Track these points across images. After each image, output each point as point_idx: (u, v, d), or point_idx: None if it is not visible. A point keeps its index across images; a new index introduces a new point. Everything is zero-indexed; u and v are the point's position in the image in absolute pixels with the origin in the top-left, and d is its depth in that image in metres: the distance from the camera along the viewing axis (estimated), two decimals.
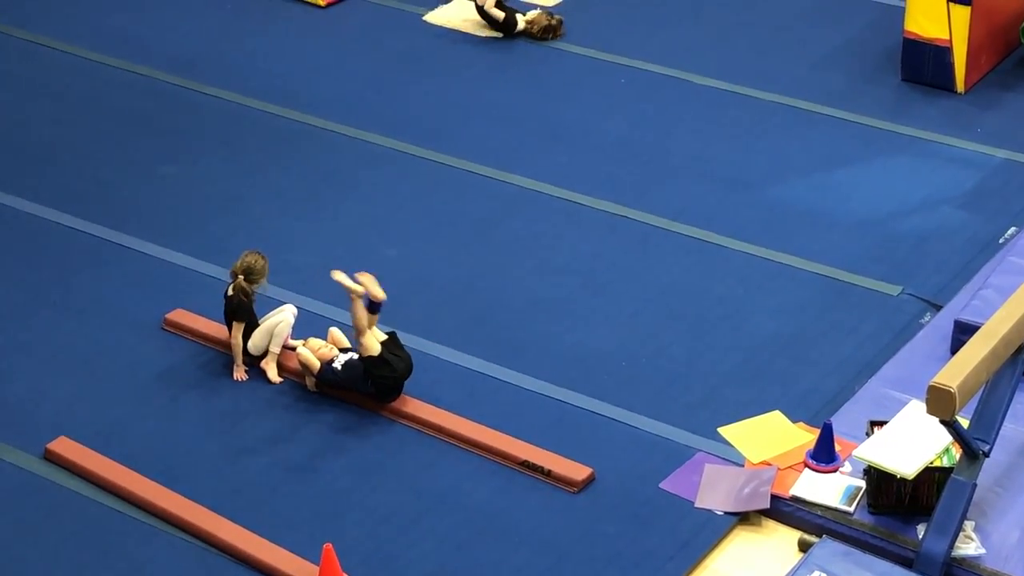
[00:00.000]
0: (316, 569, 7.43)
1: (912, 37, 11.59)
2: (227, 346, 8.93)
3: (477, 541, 7.83)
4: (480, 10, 12.54)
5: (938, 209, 10.36)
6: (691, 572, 7.65)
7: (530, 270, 9.83)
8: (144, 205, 10.54)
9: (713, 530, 7.85)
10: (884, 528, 7.67)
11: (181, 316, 9.31)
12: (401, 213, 10.45)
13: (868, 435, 7.88)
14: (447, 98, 11.80)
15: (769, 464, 8.14)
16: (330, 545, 7.30)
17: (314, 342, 8.75)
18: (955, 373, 7.05)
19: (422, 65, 12.25)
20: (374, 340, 8.49)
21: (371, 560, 7.71)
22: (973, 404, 7.51)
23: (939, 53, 11.52)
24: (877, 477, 7.65)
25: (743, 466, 8.18)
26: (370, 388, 8.54)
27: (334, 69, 12.21)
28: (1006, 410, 7.53)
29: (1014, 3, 11.89)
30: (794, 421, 8.49)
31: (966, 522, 7.54)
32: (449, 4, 13.11)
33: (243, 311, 8.80)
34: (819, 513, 7.81)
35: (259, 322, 8.93)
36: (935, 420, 7.19)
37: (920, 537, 7.50)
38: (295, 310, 9.03)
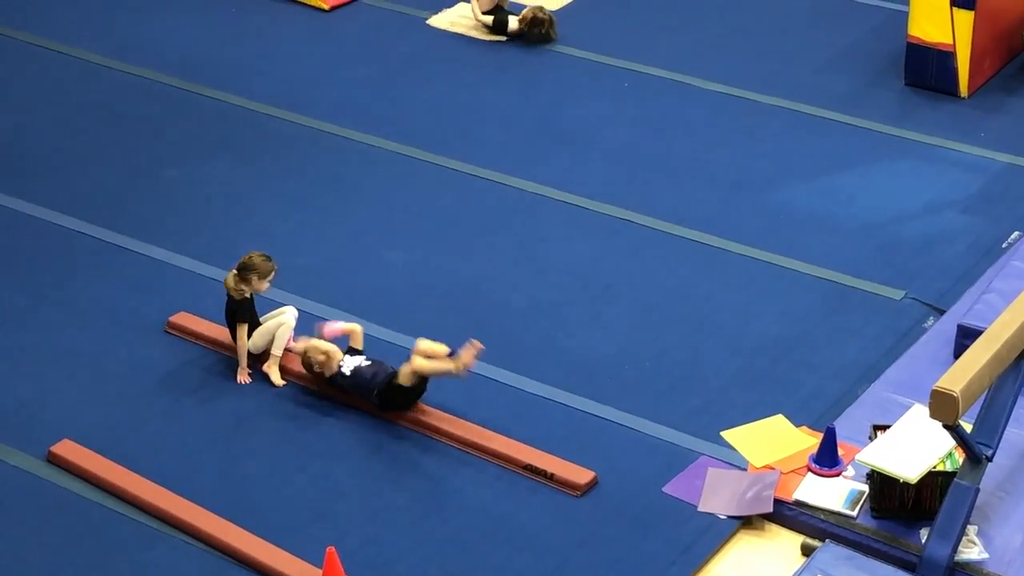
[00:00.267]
0: (319, 572, 7.44)
1: (916, 42, 11.59)
2: (230, 349, 8.93)
3: (480, 545, 7.82)
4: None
5: (941, 213, 10.36)
6: None
7: (533, 274, 9.84)
8: (148, 208, 10.55)
9: (716, 534, 7.84)
10: (887, 532, 7.66)
11: (184, 319, 9.32)
12: (404, 217, 10.45)
13: (871, 439, 7.88)
14: (451, 102, 11.81)
15: (772, 468, 8.14)
16: (333, 548, 7.30)
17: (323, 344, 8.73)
18: (958, 377, 7.05)
19: (425, 69, 12.26)
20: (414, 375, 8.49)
21: (374, 563, 7.71)
22: (976, 408, 7.50)
23: (943, 58, 11.53)
24: (880, 481, 7.64)
25: (746, 470, 8.18)
26: (375, 399, 8.54)
27: (338, 73, 12.22)
28: (1009, 414, 7.53)
29: (1018, 8, 11.90)
30: (797, 425, 8.49)
31: (969, 526, 7.54)
32: (452, 8, 13.12)
33: (243, 311, 8.80)
34: (822, 517, 7.81)
35: (260, 322, 8.95)
36: (938, 424, 7.19)
37: (923, 541, 7.49)
38: (296, 312, 9.04)
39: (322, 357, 8.62)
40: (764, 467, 8.16)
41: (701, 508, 7.98)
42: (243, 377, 8.89)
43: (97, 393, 8.85)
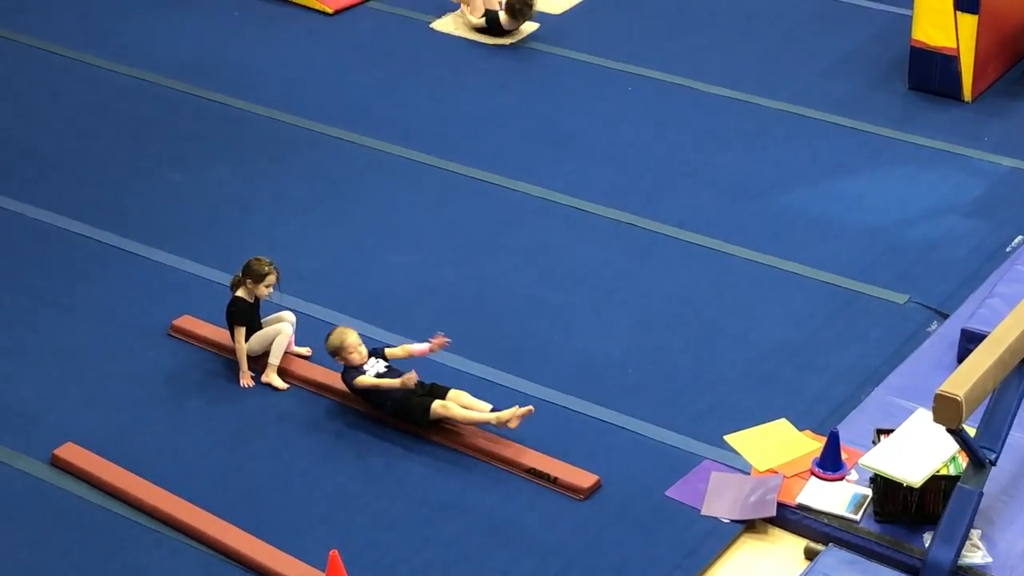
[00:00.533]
0: (322, 575, 7.44)
1: (919, 46, 11.59)
2: (233, 352, 8.93)
3: (483, 548, 7.82)
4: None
5: (945, 217, 10.35)
6: None
7: (536, 277, 9.84)
8: (151, 211, 10.56)
9: (719, 538, 7.84)
10: (890, 536, 7.66)
11: (188, 322, 9.32)
12: (408, 220, 10.45)
13: (875, 443, 7.87)
14: (454, 106, 11.81)
15: (775, 472, 8.14)
16: (336, 551, 7.30)
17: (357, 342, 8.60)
18: (962, 381, 7.04)
19: (429, 73, 12.27)
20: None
21: (377, 567, 7.71)
22: (980, 412, 7.50)
23: (946, 62, 11.52)
24: (883, 485, 7.64)
25: (749, 474, 8.18)
26: (388, 408, 8.53)
27: (341, 76, 12.23)
28: (1013, 418, 7.52)
29: (1022, 12, 11.89)
30: (800, 429, 8.48)
31: (972, 531, 7.53)
32: (456, 12, 13.12)
33: (239, 314, 8.81)
34: (825, 521, 7.80)
35: (262, 326, 8.96)
36: (942, 428, 7.19)
37: (926, 546, 7.49)
38: (293, 318, 9.04)
39: (354, 354, 8.54)
40: (767, 471, 8.16)
41: (704, 512, 7.98)
42: (245, 380, 8.89)
43: (100, 396, 8.85)
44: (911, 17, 11.65)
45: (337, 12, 13.16)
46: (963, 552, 7.41)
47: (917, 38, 11.59)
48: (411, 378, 8.33)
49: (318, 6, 13.17)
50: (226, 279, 9.37)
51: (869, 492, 7.84)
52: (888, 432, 7.89)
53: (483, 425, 8.41)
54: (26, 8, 13.25)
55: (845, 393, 8.76)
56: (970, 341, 8.37)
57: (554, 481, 8.16)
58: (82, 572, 7.73)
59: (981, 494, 7.38)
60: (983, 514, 7.60)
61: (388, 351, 8.70)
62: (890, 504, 7.68)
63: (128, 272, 9.92)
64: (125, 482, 8.16)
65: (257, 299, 8.91)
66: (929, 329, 9.26)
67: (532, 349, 9.17)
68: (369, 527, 7.95)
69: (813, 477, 8.05)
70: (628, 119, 11.61)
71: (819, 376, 8.92)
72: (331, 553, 7.29)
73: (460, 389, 8.51)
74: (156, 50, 12.56)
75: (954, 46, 11.44)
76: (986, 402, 7.45)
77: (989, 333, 7.48)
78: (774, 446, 8.33)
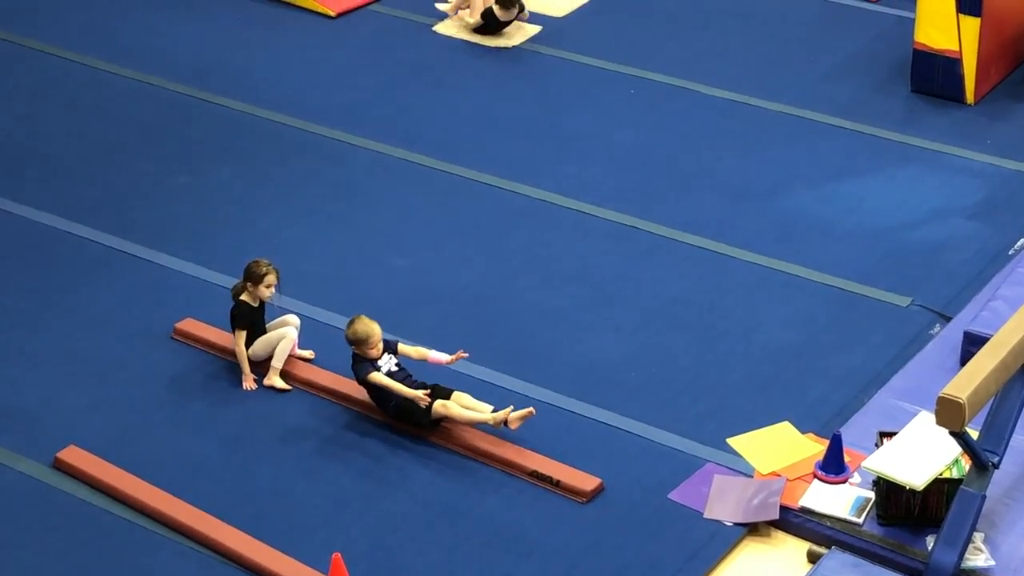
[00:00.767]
0: None
1: (922, 48, 11.59)
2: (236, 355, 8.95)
3: (486, 551, 7.82)
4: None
5: (948, 220, 10.35)
6: None
7: (538, 280, 9.84)
8: (154, 215, 10.56)
9: (722, 541, 7.84)
10: (893, 539, 7.66)
11: (191, 325, 9.33)
12: (410, 223, 10.46)
13: (877, 446, 7.87)
14: (456, 109, 11.82)
15: (778, 475, 8.13)
16: (339, 554, 7.30)
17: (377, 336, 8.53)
18: (965, 384, 7.04)
19: (432, 76, 12.27)
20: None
21: (379, 570, 7.71)
22: (983, 415, 7.49)
23: (949, 64, 11.52)
24: (886, 488, 7.64)
25: (752, 477, 8.18)
26: (391, 410, 8.53)
27: (344, 79, 12.23)
28: (1016, 421, 7.52)
29: None
30: (803, 432, 8.48)
31: (975, 534, 7.53)
32: (459, 15, 13.12)
33: (240, 318, 8.82)
34: (828, 524, 7.80)
35: (267, 330, 8.96)
36: (944, 431, 7.18)
37: (929, 548, 7.48)
38: (298, 322, 9.05)
39: (373, 348, 8.48)
40: (770, 474, 8.15)
41: (707, 515, 7.98)
42: (248, 383, 8.90)
43: (103, 399, 8.85)
44: (913, 20, 11.66)
45: (339, 15, 13.18)
46: (966, 555, 7.41)
47: (920, 40, 11.59)
48: (424, 400, 8.33)
49: (320, 9, 13.18)
50: (229, 282, 9.38)
51: (872, 495, 7.84)
52: (891, 435, 7.89)
53: (481, 426, 8.41)
54: (30, 12, 13.27)
55: (848, 396, 8.76)
56: (973, 344, 8.36)
57: (556, 484, 8.16)
58: (84, 574, 7.73)
59: (984, 497, 7.38)
60: (986, 517, 7.59)
61: (401, 347, 8.66)
62: (893, 507, 7.68)
63: (131, 275, 9.93)
64: (127, 485, 8.17)
65: (262, 303, 8.92)
66: (932, 332, 9.26)
67: (534, 352, 9.17)
68: (371, 530, 7.95)
69: (816, 480, 8.05)
70: (630, 122, 11.61)
71: (821, 379, 8.91)
72: (333, 556, 7.29)
73: (462, 392, 8.51)
74: (160, 53, 12.57)
75: (957, 49, 11.44)
76: (989, 405, 7.45)
77: (992, 336, 7.47)
78: (777, 449, 8.33)
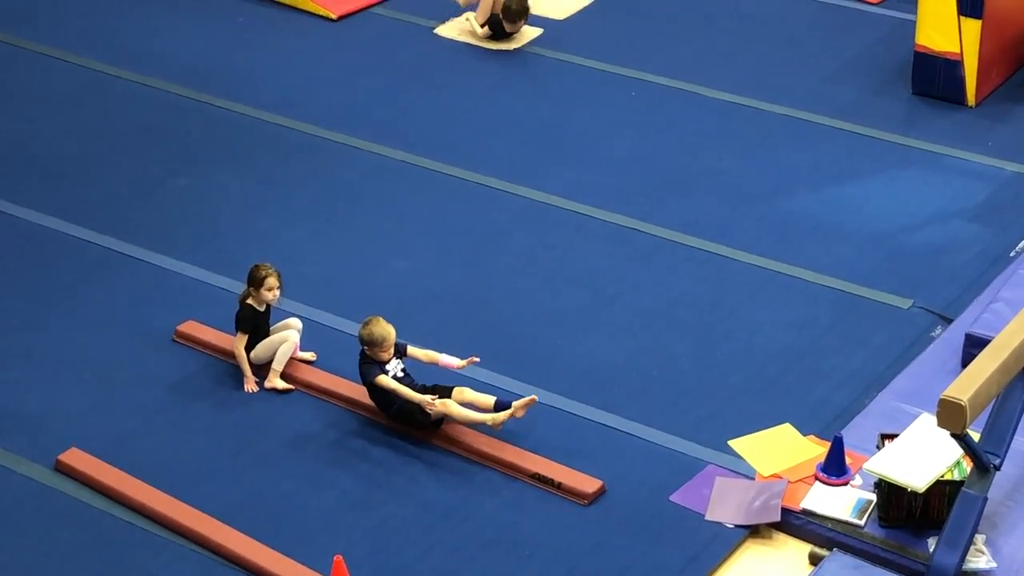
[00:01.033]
0: None
1: (923, 50, 11.59)
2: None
3: (487, 554, 7.82)
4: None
5: (949, 222, 10.35)
6: None
7: (540, 282, 9.84)
8: (155, 217, 10.57)
9: (723, 543, 7.84)
10: (895, 541, 7.66)
11: (192, 328, 9.33)
12: (411, 225, 10.46)
13: (879, 448, 7.87)
14: (457, 111, 11.82)
15: (779, 477, 8.13)
16: (340, 557, 7.30)
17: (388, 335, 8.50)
18: (966, 386, 7.04)
19: (433, 78, 12.27)
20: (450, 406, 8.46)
21: (381, 572, 7.71)
22: (984, 417, 7.49)
23: (950, 66, 11.52)
24: (888, 490, 7.64)
25: (753, 479, 8.18)
26: (393, 412, 8.53)
27: (345, 82, 12.24)
28: (1017, 423, 7.52)
29: None
30: (805, 434, 8.48)
31: (977, 535, 7.53)
32: (460, 17, 13.13)
33: (242, 321, 8.83)
34: (830, 526, 7.80)
35: (270, 332, 8.97)
36: (946, 433, 7.18)
37: (931, 550, 7.48)
38: (300, 325, 9.05)
39: (385, 352, 8.47)
40: (772, 476, 8.15)
41: (708, 517, 7.98)
42: (250, 386, 8.90)
43: (105, 402, 8.85)
44: (914, 22, 11.65)
45: (341, 18, 13.18)
46: (967, 557, 7.40)
47: (921, 43, 11.59)
48: (431, 405, 8.34)
49: (322, 12, 13.19)
50: (230, 284, 9.39)
51: (873, 497, 7.84)
52: (892, 437, 7.89)
53: (481, 427, 8.40)
54: (30, 13, 13.27)
55: (849, 398, 8.76)
56: (974, 346, 8.36)
57: (558, 486, 8.16)
58: None
59: (985, 499, 7.37)
60: (987, 519, 7.59)
61: (410, 350, 8.63)
62: (894, 509, 7.68)
63: (132, 277, 9.93)
64: (129, 487, 8.17)
65: (268, 307, 8.92)
66: (933, 334, 9.26)
67: (535, 354, 9.17)
68: (373, 532, 7.95)
69: (817, 482, 8.05)
70: (631, 124, 11.61)
71: (823, 381, 8.91)
72: (335, 558, 7.30)
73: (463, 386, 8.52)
74: (160, 55, 12.57)
75: (958, 51, 11.44)
76: (990, 407, 7.45)
77: (993, 338, 7.48)
78: (778, 451, 8.33)
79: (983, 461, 7.35)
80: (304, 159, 11.23)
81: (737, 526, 7.92)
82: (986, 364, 7.18)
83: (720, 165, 11.06)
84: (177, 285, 9.84)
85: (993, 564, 7.49)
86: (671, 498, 8.11)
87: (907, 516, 7.68)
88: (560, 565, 7.74)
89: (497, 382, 8.86)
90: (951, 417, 7.02)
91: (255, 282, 8.81)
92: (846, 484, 8.01)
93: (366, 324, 8.50)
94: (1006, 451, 7.46)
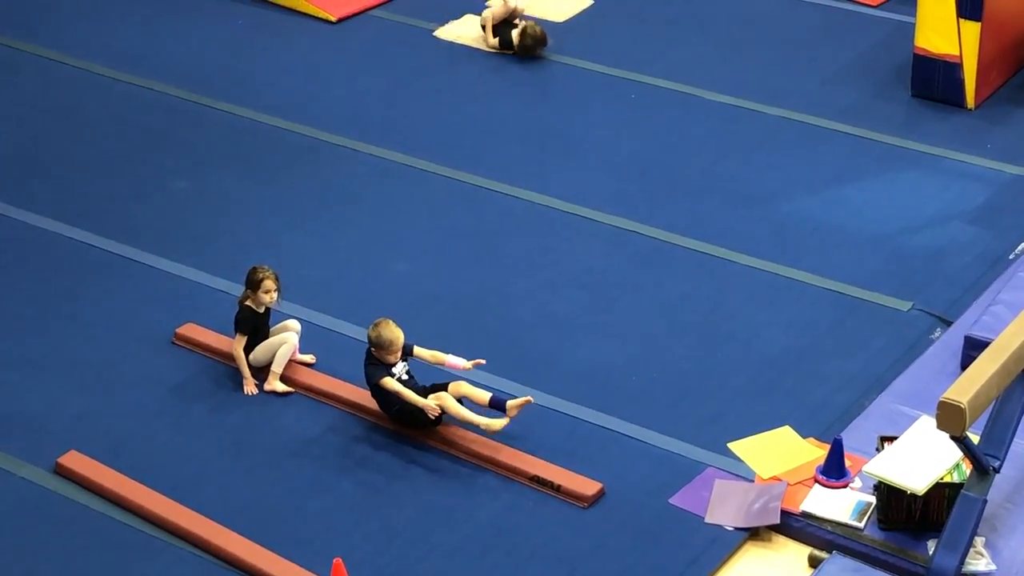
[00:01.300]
0: None
1: (922, 53, 11.60)
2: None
3: (487, 556, 7.82)
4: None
5: (948, 225, 10.35)
6: None
7: (540, 285, 9.84)
8: (156, 220, 10.57)
9: (723, 545, 7.84)
10: (894, 544, 7.66)
11: (192, 330, 9.33)
12: (411, 228, 10.46)
13: (878, 450, 7.87)
14: (457, 113, 11.82)
15: (779, 479, 8.13)
16: (340, 559, 7.30)
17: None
18: (965, 389, 7.04)
19: (432, 80, 12.28)
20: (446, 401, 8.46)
21: (380, 574, 7.70)
22: (983, 420, 7.50)
23: (949, 69, 11.53)
24: (887, 493, 7.64)
25: (753, 481, 8.18)
26: (393, 413, 8.53)
27: (345, 84, 12.24)
28: (1016, 425, 7.51)
29: None
30: (804, 436, 8.48)
31: (976, 538, 7.53)
32: (459, 20, 13.15)
33: (241, 323, 8.84)
34: (829, 529, 7.80)
35: (269, 334, 8.97)
36: (945, 436, 7.18)
37: (930, 553, 7.48)
38: (298, 327, 9.05)
39: (393, 355, 8.45)
40: (771, 478, 8.15)
41: (708, 519, 7.98)
42: (250, 388, 8.90)
43: (104, 404, 8.86)
44: (914, 24, 11.66)
45: (340, 20, 13.19)
46: (967, 559, 7.40)
47: (920, 45, 11.59)
48: (435, 410, 8.34)
49: (321, 14, 13.20)
50: (230, 287, 9.39)
51: (873, 499, 7.84)
52: (892, 439, 7.89)
53: (475, 429, 8.39)
54: (31, 18, 13.28)
55: (849, 400, 8.76)
56: (974, 348, 8.36)
57: (557, 489, 8.16)
58: None
59: (985, 501, 7.37)
60: (987, 521, 7.59)
61: (417, 350, 8.62)
62: (894, 511, 7.68)
63: (132, 280, 9.93)
64: (129, 490, 8.16)
65: (267, 309, 8.93)
66: (933, 336, 9.26)
67: (535, 356, 9.18)
68: (372, 535, 7.95)
69: (817, 484, 8.05)
70: (631, 126, 11.61)
71: (822, 383, 8.91)
72: (334, 560, 7.30)
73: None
74: (161, 59, 12.58)
75: (957, 53, 11.45)
76: (990, 409, 7.45)
77: (993, 340, 7.48)
78: (778, 453, 8.33)
79: (983, 463, 7.35)
80: (304, 161, 11.23)
81: (737, 528, 7.92)
82: (985, 366, 7.18)
83: (720, 167, 11.06)
84: (177, 288, 9.84)
85: (993, 567, 7.49)
86: (671, 500, 8.11)
87: (907, 518, 7.68)
88: (560, 568, 7.74)
89: (497, 384, 8.86)
90: (950, 419, 7.02)
91: (252, 284, 8.82)
92: (846, 486, 8.01)
93: (375, 326, 8.49)
94: (1006, 453, 7.46)
